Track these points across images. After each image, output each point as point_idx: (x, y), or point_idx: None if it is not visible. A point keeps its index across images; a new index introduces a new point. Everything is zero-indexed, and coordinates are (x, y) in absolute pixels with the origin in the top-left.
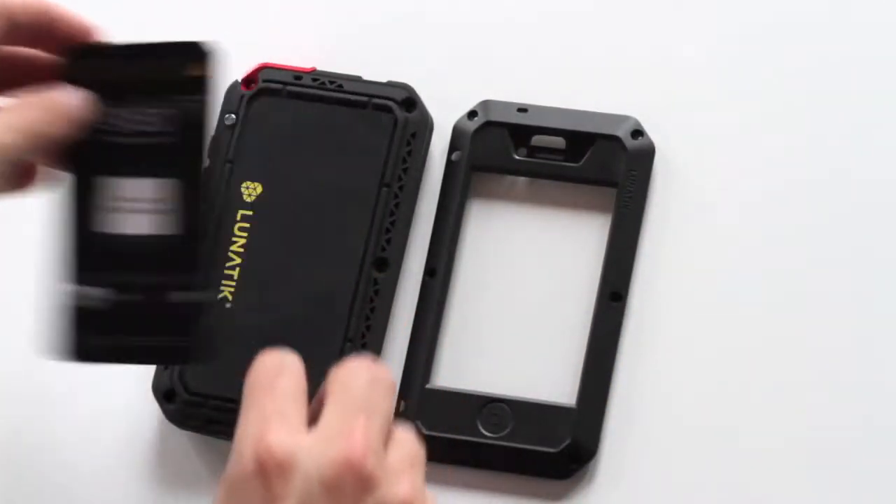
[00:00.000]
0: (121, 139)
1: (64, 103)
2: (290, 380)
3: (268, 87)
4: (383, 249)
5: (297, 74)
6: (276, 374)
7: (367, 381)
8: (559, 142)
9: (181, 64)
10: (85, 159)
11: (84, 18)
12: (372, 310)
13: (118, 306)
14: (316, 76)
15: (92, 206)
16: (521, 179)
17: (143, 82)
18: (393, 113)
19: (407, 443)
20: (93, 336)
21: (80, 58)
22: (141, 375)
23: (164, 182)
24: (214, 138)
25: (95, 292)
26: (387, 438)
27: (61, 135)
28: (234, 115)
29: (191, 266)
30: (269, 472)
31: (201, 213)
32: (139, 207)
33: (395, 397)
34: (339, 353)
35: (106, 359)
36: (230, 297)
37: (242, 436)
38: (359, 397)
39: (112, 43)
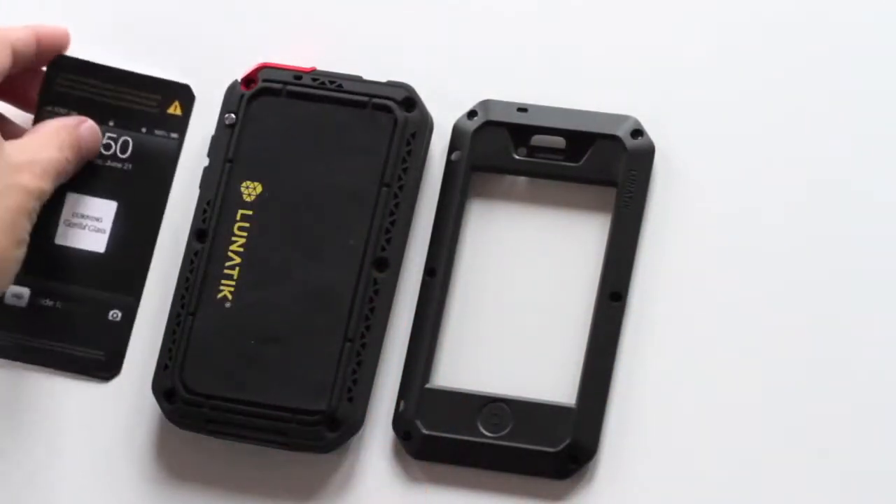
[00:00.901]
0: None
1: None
2: None
3: (268, 87)
4: (383, 249)
5: (297, 74)
6: None
7: None
8: (559, 141)
9: (164, 101)
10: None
11: (57, 27)
12: (372, 310)
13: (36, 309)
14: (316, 76)
15: (56, 217)
16: (521, 179)
17: (124, 110)
18: (393, 113)
19: None
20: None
21: (64, 70)
22: (141, 375)
23: (108, 203)
24: (214, 138)
25: (22, 291)
26: None
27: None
28: (234, 115)
29: (113, 285)
30: None
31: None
32: (85, 224)
33: None
34: (339, 353)
35: (13, 356)
36: (230, 297)
37: None
38: None
39: (96, 63)
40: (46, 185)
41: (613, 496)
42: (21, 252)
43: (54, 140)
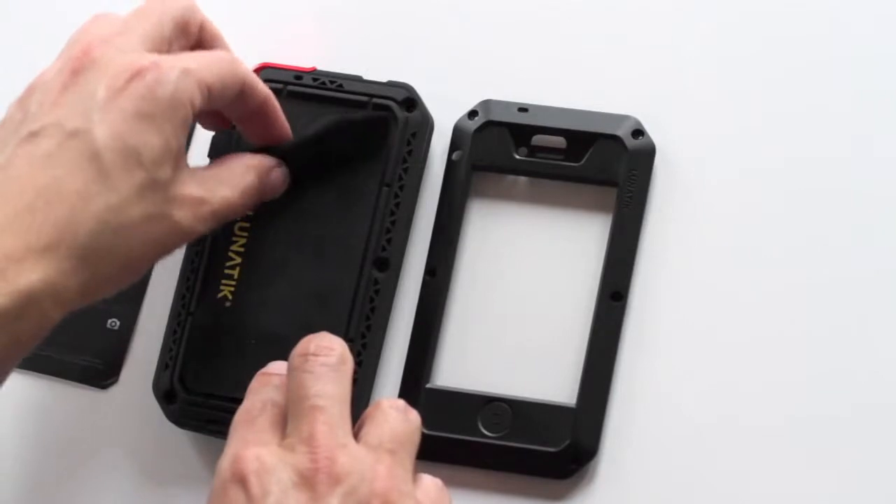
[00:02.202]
0: None
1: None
2: (271, 413)
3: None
4: (383, 249)
5: (298, 74)
6: (260, 411)
7: (313, 373)
8: (560, 141)
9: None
10: None
11: (285, 124)
12: (372, 310)
13: None
14: (316, 76)
15: None
16: (522, 179)
17: None
18: (393, 113)
19: (386, 429)
20: None
21: None
22: (141, 375)
23: None
24: (215, 138)
25: None
26: (361, 433)
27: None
28: None
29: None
30: (245, 479)
31: None
32: None
33: (348, 369)
34: None
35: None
36: (230, 297)
37: (223, 457)
38: (308, 396)
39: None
40: (203, 228)
41: (613, 496)
42: (132, 282)
43: (240, 181)
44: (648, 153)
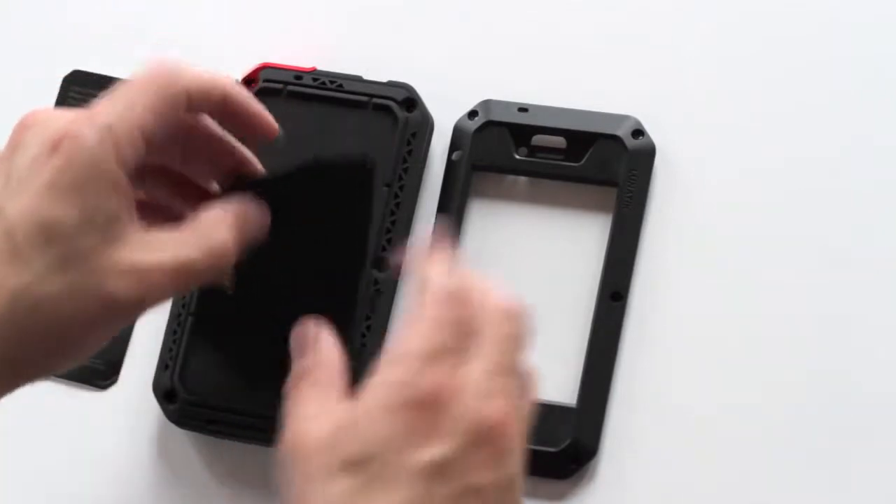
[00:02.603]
0: None
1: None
2: (462, 312)
3: (268, 87)
4: (383, 249)
5: (298, 74)
6: (451, 296)
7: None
8: (560, 141)
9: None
10: None
11: (263, 111)
12: (372, 310)
13: None
14: (316, 76)
15: None
16: (522, 179)
17: None
18: (393, 113)
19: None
20: None
21: (76, 84)
22: (141, 375)
23: None
24: None
25: None
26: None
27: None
28: None
29: None
30: (432, 407)
31: None
32: None
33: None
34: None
35: None
36: (230, 297)
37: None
38: (505, 350)
39: (107, 76)
40: (153, 297)
41: (613, 496)
42: (80, 360)
43: (207, 239)
44: (648, 153)
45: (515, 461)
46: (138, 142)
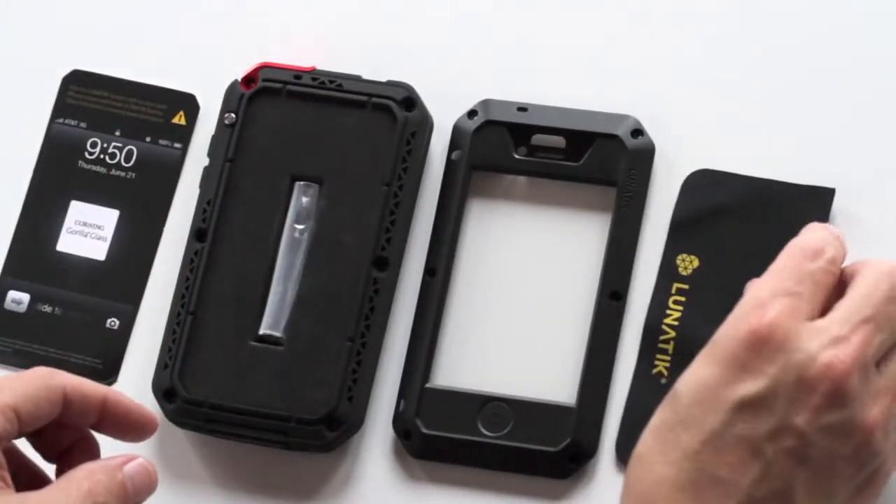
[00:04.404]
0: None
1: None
2: (826, 267)
3: (268, 87)
4: (383, 249)
5: (297, 74)
6: (817, 253)
7: (890, 291)
8: (559, 141)
9: (169, 111)
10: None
11: (144, 410)
12: (372, 309)
13: (35, 315)
14: (316, 76)
15: (59, 225)
16: (521, 178)
17: (130, 119)
18: (393, 112)
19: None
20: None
21: (75, 83)
22: (140, 375)
23: (111, 212)
24: (214, 138)
25: (21, 297)
26: (884, 357)
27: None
28: (233, 115)
29: (111, 293)
30: (758, 344)
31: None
32: (86, 232)
33: None
34: (339, 353)
35: (12, 361)
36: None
37: (754, 294)
38: (876, 305)
39: (105, 75)
40: None
41: (613, 496)
42: None
43: (83, 488)
44: (648, 153)
45: (855, 412)
46: (11, 416)
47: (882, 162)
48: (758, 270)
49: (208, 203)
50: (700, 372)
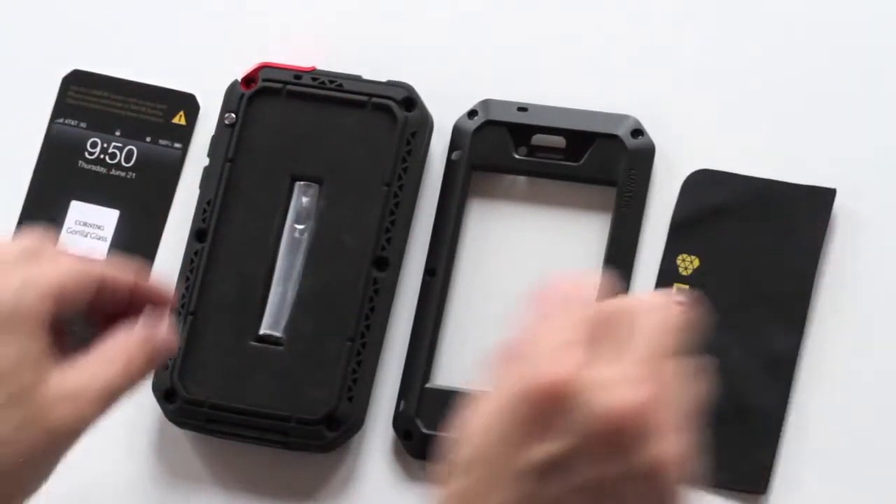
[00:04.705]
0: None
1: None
2: (587, 310)
3: (268, 87)
4: (383, 249)
5: (297, 74)
6: (574, 299)
7: (673, 328)
8: (559, 141)
9: (169, 111)
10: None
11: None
12: (372, 309)
13: None
14: (316, 75)
15: (59, 225)
16: (521, 179)
17: (131, 119)
18: (393, 112)
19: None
20: None
21: (75, 83)
22: None
23: (111, 212)
24: (214, 138)
25: None
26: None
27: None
28: (234, 115)
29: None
30: (544, 401)
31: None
32: (87, 231)
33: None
34: (340, 353)
35: None
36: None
37: (535, 350)
38: (653, 344)
39: (106, 76)
40: (91, 415)
41: None
42: (41, 485)
43: (121, 361)
44: (648, 153)
45: (654, 450)
46: (56, 295)
47: (882, 162)
48: (758, 270)
49: (208, 203)
50: (483, 439)
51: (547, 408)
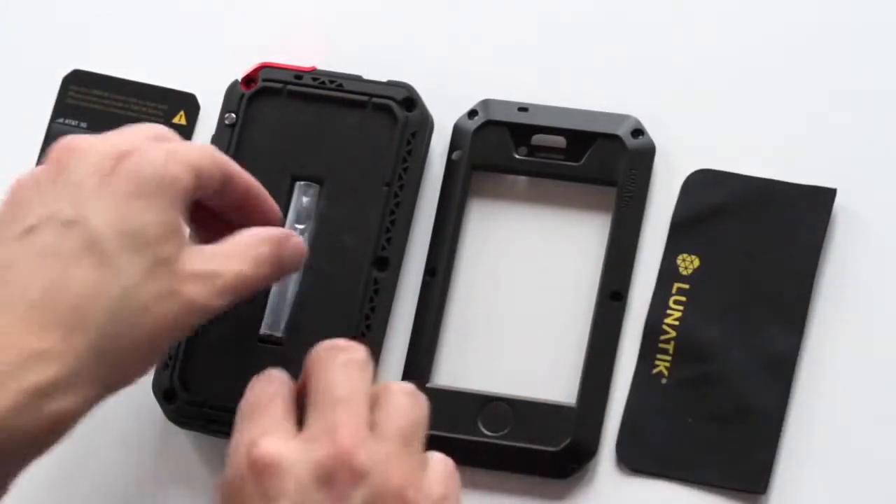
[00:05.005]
0: None
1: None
2: (282, 403)
3: (268, 87)
4: (383, 249)
5: (297, 74)
6: (270, 399)
7: (340, 366)
8: (559, 141)
9: (170, 110)
10: None
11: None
12: (372, 309)
13: None
14: (316, 76)
15: None
16: (522, 179)
17: (131, 120)
18: (393, 112)
19: (398, 416)
20: None
21: (75, 83)
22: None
23: None
24: (214, 138)
25: None
26: (372, 419)
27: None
28: (234, 115)
29: None
30: (262, 473)
31: None
32: None
33: (371, 370)
34: None
35: None
36: None
37: (237, 445)
38: (335, 387)
39: (106, 75)
40: (219, 302)
41: (613, 496)
42: (152, 367)
43: (252, 253)
44: (648, 153)
45: (378, 481)
46: (193, 174)
47: (883, 162)
48: (758, 270)
49: None
50: None
51: (264, 480)
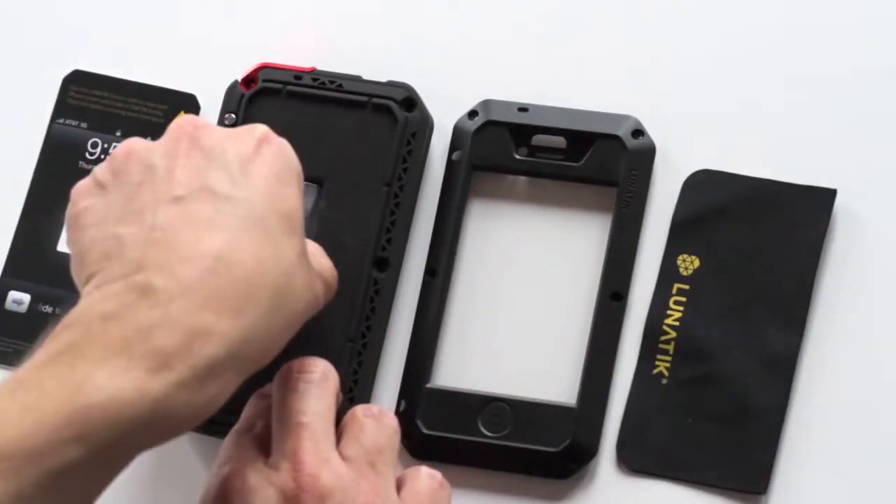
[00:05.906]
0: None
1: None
2: (256, 435)
3: (268, 87)
4: (383, 249)
5: (297, 74)
6: (247, 430)
7: (297, 390)
8: (560, 141)
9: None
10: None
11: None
12: (372, 310)
13: (35, 315)
14: (316, 76)
15: (59, 225)
16: (522, 179)
17: (132, 120)
18: (393, 113)
19: (363, 438)
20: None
21: (76, 84)
22: None
23: None
24: None
25: (22, 297)
26: (338, 434)
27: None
28: (234, 115)
29: None
30: (230, 497)
31: None
32: None
33: (331, 384)
34: (340, 353)
35: (12, 362)
36: None
37: (211, 475)
38: (294, 413)
39: (106, 76)
40: (321, 308)
41: (614, 496)
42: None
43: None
44: (648, 153)
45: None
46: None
47: (883, 162)
48: (758, 270)
49: None
50: None
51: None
